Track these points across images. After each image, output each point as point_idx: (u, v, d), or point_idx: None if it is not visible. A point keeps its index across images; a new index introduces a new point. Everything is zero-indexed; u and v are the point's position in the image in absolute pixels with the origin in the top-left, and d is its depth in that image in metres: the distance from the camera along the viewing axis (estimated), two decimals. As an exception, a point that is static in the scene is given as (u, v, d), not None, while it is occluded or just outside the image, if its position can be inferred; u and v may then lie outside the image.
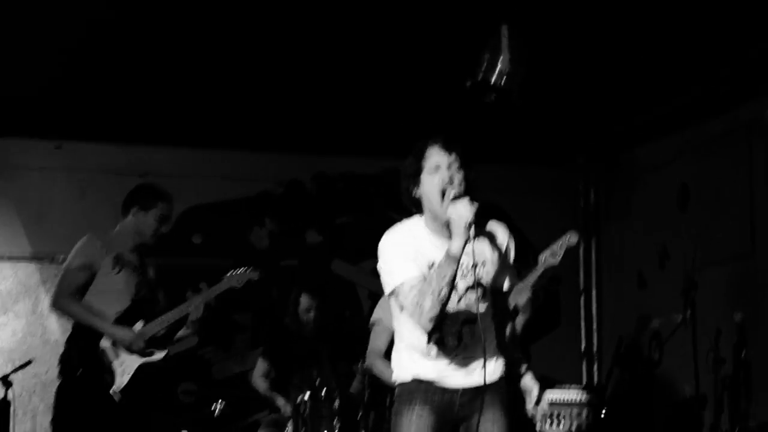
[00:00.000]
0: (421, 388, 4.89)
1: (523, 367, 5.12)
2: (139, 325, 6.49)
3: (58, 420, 6.46)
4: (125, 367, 6.41)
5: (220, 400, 7.73)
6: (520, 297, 6.13)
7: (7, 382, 7.19)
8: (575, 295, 10.51)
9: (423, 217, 4.86)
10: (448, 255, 4.59)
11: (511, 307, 5.71)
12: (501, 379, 4.96)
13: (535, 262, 6.35)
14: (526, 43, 6.75)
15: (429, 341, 4.84)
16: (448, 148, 4.76)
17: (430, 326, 4.70)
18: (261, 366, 8.46)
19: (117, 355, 6.41)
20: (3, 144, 9.30)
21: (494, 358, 4.94)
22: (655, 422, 8.95)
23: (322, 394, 7.45)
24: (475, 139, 9.27)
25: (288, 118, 9.08)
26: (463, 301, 4.83)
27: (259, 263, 9.53)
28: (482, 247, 4.82)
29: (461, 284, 4.79)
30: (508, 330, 5.11)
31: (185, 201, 9.70)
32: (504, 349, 5.05)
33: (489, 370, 4.84)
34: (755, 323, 7.80)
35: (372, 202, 9.91)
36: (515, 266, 5.01)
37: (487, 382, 4.83)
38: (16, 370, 7.29)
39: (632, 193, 10.01)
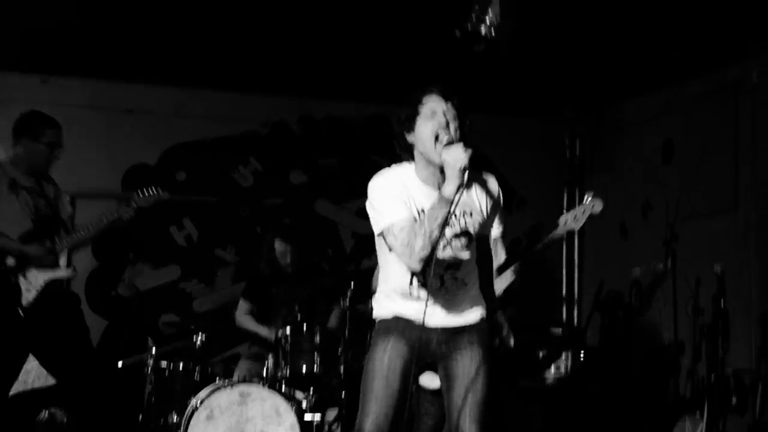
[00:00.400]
0: (400, 325, 4.93)
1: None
2: (46, 244, 6.48)
3: None
4: (32, 283, 6.39)
5: (200, 333, 7.73)
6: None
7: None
8: (558, 243, 10.51)
9: (413, 165, 4.86)
10: (441, 197, 4.59)
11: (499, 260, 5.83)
12: (481, 320, 4.99)
13: (555, 225, 6.35)
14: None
15: (411, 283, 4.89)
16: (446, 96, 4.77)
17: (419, 267, 4.71)
18: (243, 305, 8.49)
19: (23, 274, 6.39)
20: (-11, 77, 9.29)
21: (475, 301, 5.00)
22: (634, 367, 9.01)
23: (303, 328, 7.49)
24: (463, 89, 9.36)
25: (276, 60, 9.05)
26: (449, 248, 4.84)
27: (244, 201, 9.63)
28: (472, 196, 4.86)
29: (448, 231, 4.81)
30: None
31: (170, 138, 9.74)
32: (486, 291, 5.09)
33: (467, 310, 4.95)
34: (734, 275, 7.88)
35: (356, 146, 9.93)
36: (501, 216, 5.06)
37: (467, 323, 4.94)
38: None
39: (617, 146, 10.05)
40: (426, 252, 4.65)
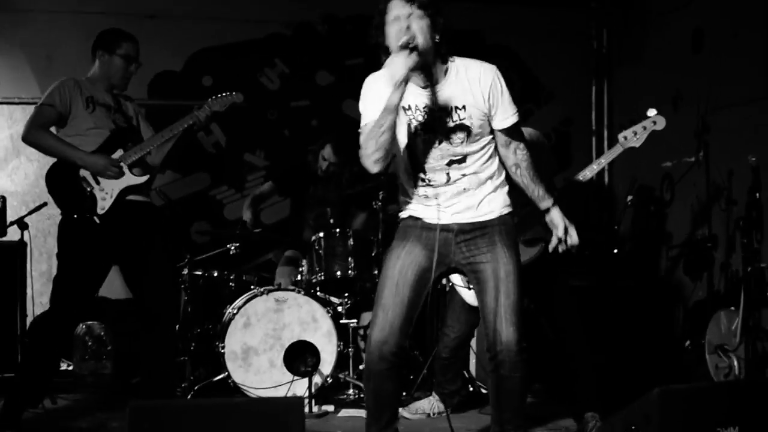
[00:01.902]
0: (417, 225, 4.98)
1: (548, 202, 5.12)
2: (118, 153, 6.50)
3: (60, 252, 6.52)
4: (106, 192, 6.42)
5: (235, 242, 7.76)
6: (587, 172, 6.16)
7: (23, 224, 7.21)
8: (587, 136, 10.49)
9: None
10: (386, 106, 4.62)
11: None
12: (501, 216, 4.99)
13: (615, 141, 6.28)
14: None
15: (415, 184, 4.95)
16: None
17: (374, 169, 4.75)
18: (260, 187, 8.58)
19: (98, 182, 6.42)
20: (9, -12, 9.23)
21: (495, 198, 4.99)
22: (667, 260, 9.01)
23: (337, 232, 7.50)
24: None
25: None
26: (446, 143, 4.86)
27: (271, 104, 9.58)
28: (463, 88, 4.84)
29: (444, 126, 4.83)
30: (523, 166, 5.09)
31: (195, 43, 9.67)
32: (512, 185, 5.07)
33: (485, 206, 4.95)
34: (768, 165, 7.82)
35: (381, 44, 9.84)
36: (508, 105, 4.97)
37: (484, 219, 4.95)
38: (31, 213, 7.31)
39: (646, 36, 9.89)
40: (378, 156, 4.70)
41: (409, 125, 4.87)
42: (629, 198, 9.11)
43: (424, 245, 4.94)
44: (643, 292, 8.55)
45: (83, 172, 6.37)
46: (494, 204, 4.99)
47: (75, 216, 6.32)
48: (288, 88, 9.83)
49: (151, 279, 6.45)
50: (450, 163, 4.88)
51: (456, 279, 6.41)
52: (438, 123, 4.83)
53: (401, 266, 4.91)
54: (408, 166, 4.96)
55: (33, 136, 6.46)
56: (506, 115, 4.92)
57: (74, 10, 9.23)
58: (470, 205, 4.94)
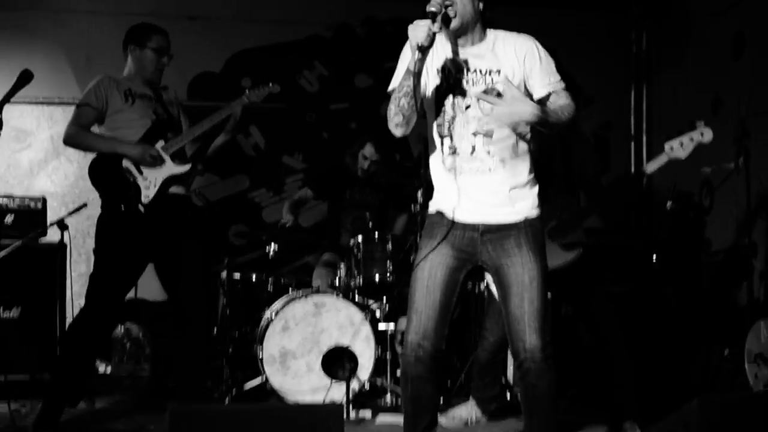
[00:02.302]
0: (443, 222, 4.93)
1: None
2: (159, 144, 6.55)
3: (98, 247, 6.55)
4: (150, 181, 6.47)
5: (272, 243, 7.78)
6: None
7: (63, 225, 7.24)
8: (626, 142, 10.46)
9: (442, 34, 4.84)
10: (406, 69, 4.70)
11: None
12: (529, 219, 4.93)
13: (660, 150, 6.27)
14: None
15: (441, 151, 4.90)
16: None
17: (397, 132, 4.86)
18: (298, 193, 8.64)
19: (141, 172, 6.47)
20: (51, -11, 9.29)
21: (521, 195, 4.92)
22: (706, 269, 8.97)
23: (375, 236, 7.50)
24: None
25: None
26: (475, 107, 4.82)
27: (310, 107, 9.60)
28: (498, 54, 4.82)
29: (472, 89, 4.81)
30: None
31: (234, 45, 9.71)
32: (551, 191, 5.05)
33: (512, 205, 4.89)
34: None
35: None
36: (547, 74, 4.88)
37: (510, 221, 4.89)
38: (71, 214, 7.34)
39: (686, 40, 9.85)
40: (399, 119, 4.81)
41: (439, 87, 4.87)
42: (669, 204, 9.05)
43: (451, 244, 4.89)
44: (681, 299, 8.51)
45: (126, 163, 6.43)
46: (522, 204, 4.93)
47: (122, 206, 6.37)
48: (327, 90, 9.85)
49: (185, 279, 6.48)
50: (476, 134, 4.84)
51: (491, 279, 6.40)
52: (469, 86, 4.82)
53: (430, 267, 4.88)
54: (435, 131, 4.94)
55: (72, 137, 6.54)
56: (545, 82, 4.86)
57: (114, 12, 9.27)
58: (494, 191, 4.87)
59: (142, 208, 6.39)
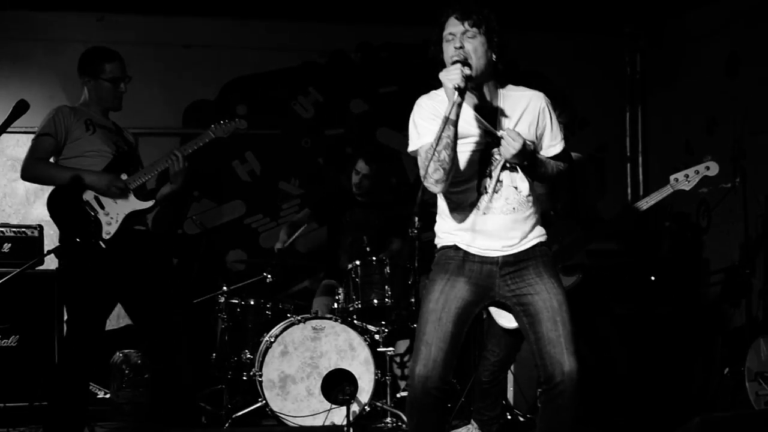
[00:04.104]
0: (458, 256, 4.93)
1: None
2: (123, 177, 6.49)
3: (65, 286, 6.52)
4: (111, 216, 6.41)
5: (269, 269, 7.79)
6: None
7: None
8: (622, 163, 10.47)
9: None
10: (443, 119, 4.59)
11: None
12: (541, 245, 4.98)
13: (659, 173, 6.30)
14: None
15: (477, 191, 4.86)
16: (463, 17, 4.73)
17: (437, 189, 4.74)
18: (300, 214, 8.64)
19: (102, 207, 6.42)
20: (45, 18, 9.29)
21: (533, 226, 4.97)
22: (704, 288, 8.96)
23: (373, 260, 7.50)
24: (525, 7, 9.26)
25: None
26: (496, 165, 4.86)
27: (305, 132, 9.60)
28: (512, 112, 4.85)
29: (495, 144, 4.82)
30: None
31: (228, 72, 9.73)
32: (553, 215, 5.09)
33: (527, 237, 4.93)
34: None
35: (416, 71, 9.86)
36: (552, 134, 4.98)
37: (526, 247, 4.92)
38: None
39: (680, 61, 9.87)
40: (440, 175, 4.67)
41: (468, 143, 4.85)
42: (666, 224, 9.07)
43: (467, 278, 4.89)
44: (681, 318, 8.51)
45: (87, 197, 6.37)
46: (534, 231, 4.97)
47: (77, 239, 6.31)
48: (322, 116, 9.86)
49: (153, 312, 6.45)
50: (500, 176, 4.86)
51: (495, 310, 6.39)
52: (501, 141, 4.79)
53: (444, 300, 4.86)
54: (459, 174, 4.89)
55: (30, 171, 6.46)
56: (555, 142, 4.98)
57: (109, 41, 9.23)
58: (514, 228, 4.91)
59: (103, 244, 6.33)
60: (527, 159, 4.78)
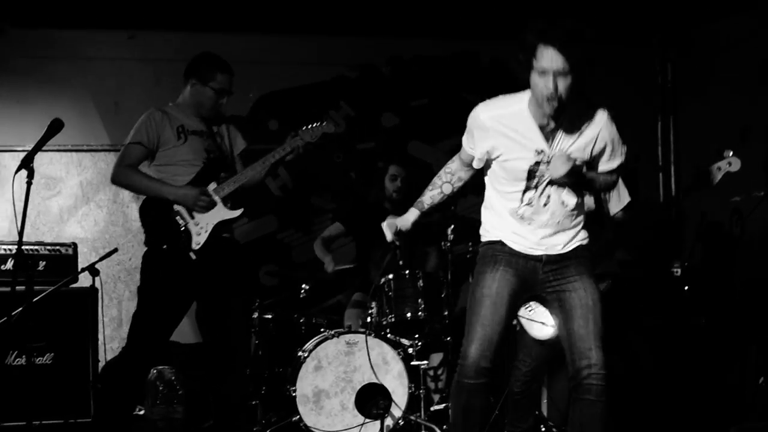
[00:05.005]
0: (506, 251, 5.17)
1: None
2: (211, 186, 6.52)
3: (143, 285, 6.54)
4: (201, 226, 6.45)
5: (304, 284, 7.80)
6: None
7: (94, 271, 7.27)
8: (654, 173, 10.43)
9: (529, 95, 4.98)
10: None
11: None
12: (580, 248, 5.20)
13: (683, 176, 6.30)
14: None
15: (520, 201, 5.11)
16: (562, 51, 4.80)
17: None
18: (329, 229, 8.64)
19: (192, 216, 6.45)
20: (76, 36, 9.32)
21: (578, 229, 5.22)
22: (738, 298, 8.90)
23: (406, 273, 7.49)
24: (552, 18, 9.24)
25: (361, 1, 8.99)
26: (544, 181, 5.05)
27: (337, 146, 9.61)
28: (578, 132, 5.04)
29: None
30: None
31: (260, 87, 9.74)
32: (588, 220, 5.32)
33: (571, 239, 5.18)
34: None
35: (446, 84, 9.88)
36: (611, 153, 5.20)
37: (570, 249, 5.17)
38: (101, 259, 7.36)
39: (711, 69, 9.82)
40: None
41: (521, 158, 5.05)
42: (699, 233, 9.04)
43: (515, 269, 5.13)
44: (714, 328, 8.46)
45: (177, 207, 6.41)
46: (578, 235, 5.22)
47: (165, 247, 6.35)
48: (354, 130, 9.87)
49: (230, 321, 6.47)
50: (551, 182, 5.06)
51: (523, 312, 6.39)
52: (551, 162, 4.98)
53: (498, 287, 5.10)
54: (511, 181, 5.13)
55: (122, 176, 6.51)
56: (611, 161, 5.20)
57: (140, 57, 9.34)
58: (557, 235, 5.16)
59: (193, 255, 6.37)
60: (574, 179, 4.96)
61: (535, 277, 5.16)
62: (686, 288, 8.15)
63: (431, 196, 5.54)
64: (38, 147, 5.64)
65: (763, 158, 8.35)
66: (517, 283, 5.12)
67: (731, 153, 6.25)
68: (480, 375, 5.05)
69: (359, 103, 9.92)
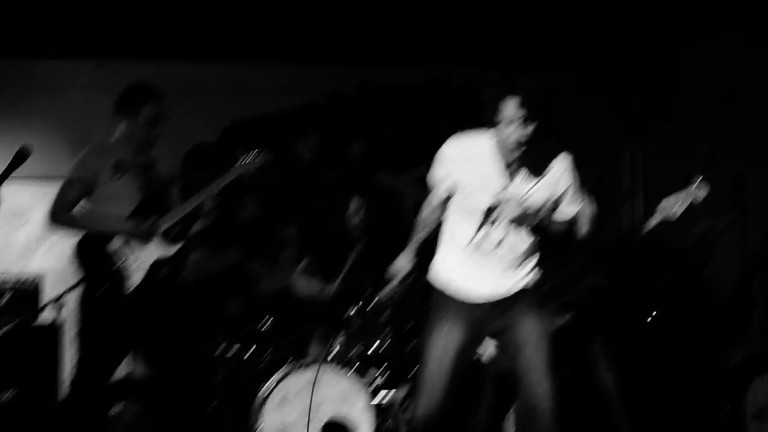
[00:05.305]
0: (453, 300, 5.38)
1: None
2: (149, 222, 6.48)
3: (81, 330, 6.50)
4: (139, 263, 6.42)
5: (267, 316, 7.78)
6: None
7: (59, 305, 7.24)
8: (621, 199, 10.47)
9: (495, 134, 5.11)
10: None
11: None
12: (529, 284, 5.38)
13: (651, 204, 6.34)
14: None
15: (470, 241, 5.27)
16: (524, 101, 4.96)
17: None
18: (303, 264, 8.61)
19: (130, 253, 6.42)
20: (44, 65, 9.35)
21: (524, 266, 5.37)
22: (703, 324, 8.92)
23: (373, 304, 7.48)
24: (522, 44, 9.29)
25: (329, 29, 9.01)
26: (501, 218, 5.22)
27: (304, 175, 9.61)
28: (529, 174, 5.20)
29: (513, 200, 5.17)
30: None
31: (228, 116, 9.76)
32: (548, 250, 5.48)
33: (517, 279, 5.34)
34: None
35: (415, 112, 9.89)
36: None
37: (514, 291, 5.33)
38: (66, 293, 7.33)
39: (678, 96, 9.87)
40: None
41: (482, 195, 5.21)
42: (664, 260, 9.05)
43: (462, 320, 5.30)
44: (680, 355, 8.48)
45: (115, 243, 6.36)
46: (528, 277, 5.40)
47: (105, 287, 6.30)
48: (321, 158, 9.84)
49: (169, 362, 6.45)
50: (503, 235, 5.25)
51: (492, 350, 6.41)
52: (508, 197, 5.17)
53: (444, 344, 5.28)
54: (466, 214, 5.30)
55: (57, 217, 6.44)
56: (570, 205, 5.39)
57: (110, 87, 9.28)
58: (507, 273, 5.33)
59: (128, 293, 6.33)
60: (528, 222, 5.19)
61: (483, 321, 5.34)
62: (652, 314, 8.18)
63: (420, 239, 5.77)
64: (4, 176, 5.58)
65: (729, 185, 8.36)
66: (464, 336, 5.30)
67: (699, 179, 6.26)
68: (428, 428, 5.20)
69: (328, 130, 9.90)
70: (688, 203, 6.17)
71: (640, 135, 10.50)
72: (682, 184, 6.29)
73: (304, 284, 8.47)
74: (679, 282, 9.23)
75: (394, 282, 5.94)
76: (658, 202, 6.30)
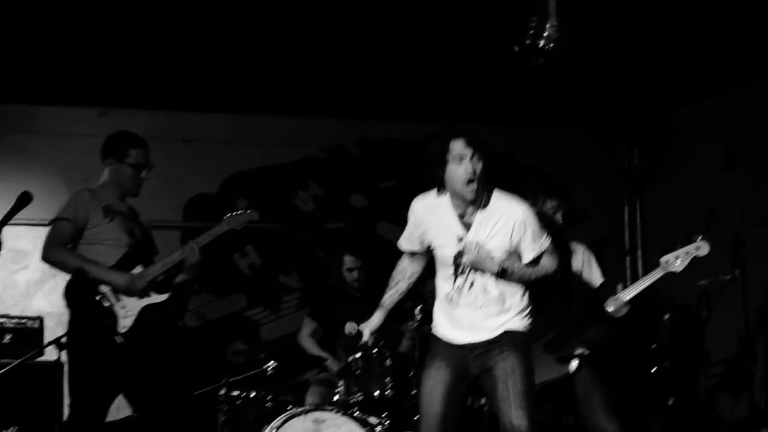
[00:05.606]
0: (440, 342, 5.69)
1: None
2: (138, 269, 6.50)
3: (71, 374, 6.48)
4: (128, 309, 6.42)
5: (271, 362, 7.76)
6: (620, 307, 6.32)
7: (60, 345, 7.21)
8: (621, 257, 10.48)
9: (448, 196, 5.54)
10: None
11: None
12: (509, 332, 5.56)
13: (656, 264, 6.39)
14: (573, 6, 6.73)
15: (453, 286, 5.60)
16: (471, 143, 5.39)
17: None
18: (308, 325, 8.59)
19: (118, 299, 6.42)
20: (48, 112, 9.37)
21: (501, 314, 5.59)
22: (706, 379, 8.93)
23: (374, 353, 7.46)
24: (522, 103, 9.36)
25: (331, 83, 9.07)
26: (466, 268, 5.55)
27: (305, 226, 9.62)
28: (493, 221, 5.52)
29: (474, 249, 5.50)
30: None
31: (229, 166, 9.77)
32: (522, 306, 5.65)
33: (494, 325, 5.57)
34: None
35: (415, 166, 9.90)
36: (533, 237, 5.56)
37: (493, 335, 5.55)
38: (68, 334, 7.31)
39: (678, 154, 9.93)
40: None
41: (446, 245, 5.59)
42: (666, 316, 9.05)
43: (448, 361, 5.61)
44: (682, 410, 8.46)
45: (104, 288, 6.37)
46: (509, 323, 5.61)
47: (93, 332, 6.29)
48: (322, 210, 9.91)
49: (159, 405, 6.43)
50: (474, 275, 5.56)
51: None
52: (467, 245, 5.49)
53: (432, 383, 5.61)
54: (443, 263, 5.66)
55: (54, 254, 6.49)
56: (534, 247, 5.56)
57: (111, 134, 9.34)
58: (484, 322, 5.59)
59: (119, 339, 6.32)
60: (488, 269, 5.46)
61: (467, 363, 5.58)
62: (653, 369, 8.18)
63: (390, 296, 6.10)
64: (6, 220, 5.59)
65: (729, 242, 8.39)
66: (451, 375, 5.57)
67: (700, 237, 6.32)
68: None
69: (328, 183, 9.95)
70: (690, 260, 6.23)
71: (639, 193, 10.52)
72: (683, 240, 6.33)
73: (310, 346, 8.48)
74: (682, 337, 9.24)
75: (364, 338, 6.19)
76: (659, 258, 6.36)
